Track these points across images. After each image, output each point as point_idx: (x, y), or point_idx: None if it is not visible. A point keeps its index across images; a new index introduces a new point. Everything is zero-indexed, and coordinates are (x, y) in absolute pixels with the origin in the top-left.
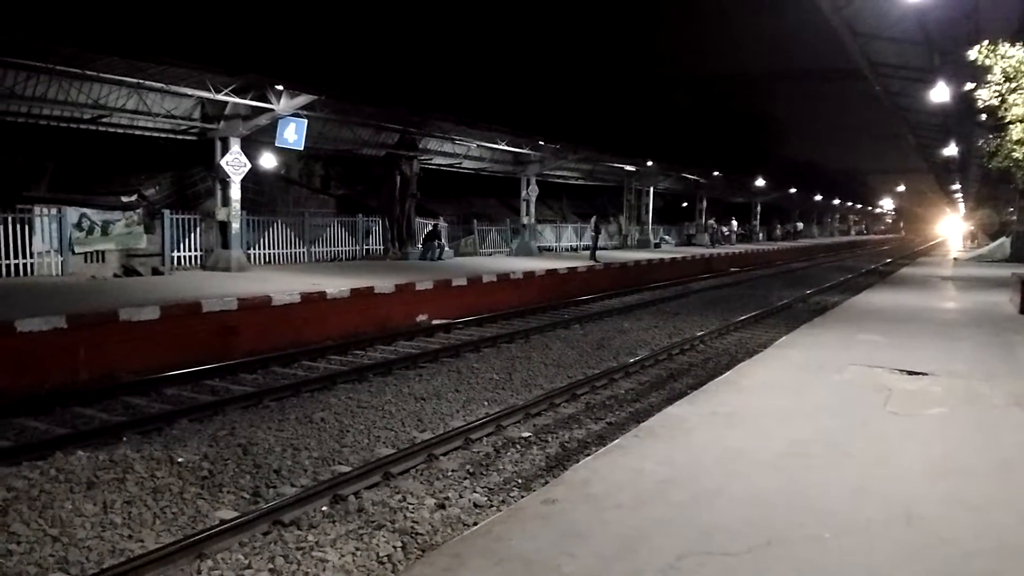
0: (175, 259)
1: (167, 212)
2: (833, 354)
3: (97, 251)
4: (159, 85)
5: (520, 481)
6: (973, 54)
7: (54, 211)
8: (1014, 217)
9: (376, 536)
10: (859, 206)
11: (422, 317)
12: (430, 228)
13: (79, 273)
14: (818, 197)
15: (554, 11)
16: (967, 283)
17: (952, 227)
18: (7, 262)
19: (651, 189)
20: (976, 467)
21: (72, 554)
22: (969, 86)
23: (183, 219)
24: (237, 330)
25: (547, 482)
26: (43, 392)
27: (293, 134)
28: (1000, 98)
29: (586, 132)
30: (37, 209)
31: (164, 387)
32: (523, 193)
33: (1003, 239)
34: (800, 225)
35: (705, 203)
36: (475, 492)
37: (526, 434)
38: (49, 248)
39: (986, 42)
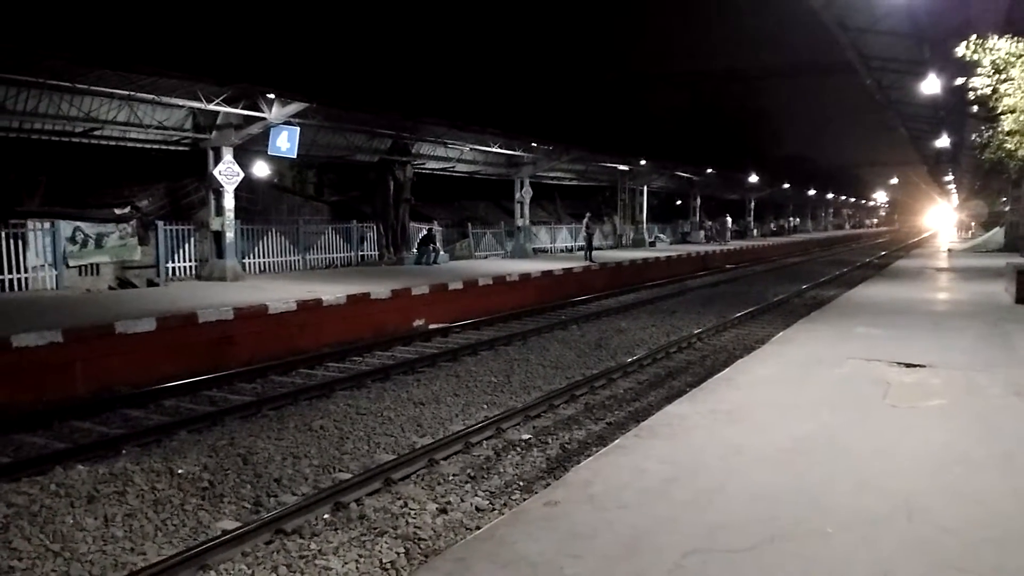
0: (170, 270)
1: (161, 223)
2: (831, 348)
3: (91, 264)
4: (150, 96)
5: (522, 484)
6: (961, 50)
7: (47, 225)
8: (1007, 207)
9: (379, 543)
10: (853, 200)
11: (419, 322)
12: (425, 233)
13: (74, 287)
14: (811, 192)
15: (544, 13)
16: (962, 274)
17: (946, 218)
18: (1, 277)
19: (645, 188)
20: (977, 458)
21: (74, 569)
22: (959, 80)
23: (177, 230)
24: (234, 339)
25: (549, 484)
26: (41, 407)
27: (286, 142)
28: (992, 89)
29: (579, 132)
30: (31, 223)
31: (162, 399)
32: (517, 195)
33: (997, 229)
34: (797, 220)
35: (699, 201)
36: (477, 496)
37: (526, 436)
38: (43, 262)
39: (974, 37)
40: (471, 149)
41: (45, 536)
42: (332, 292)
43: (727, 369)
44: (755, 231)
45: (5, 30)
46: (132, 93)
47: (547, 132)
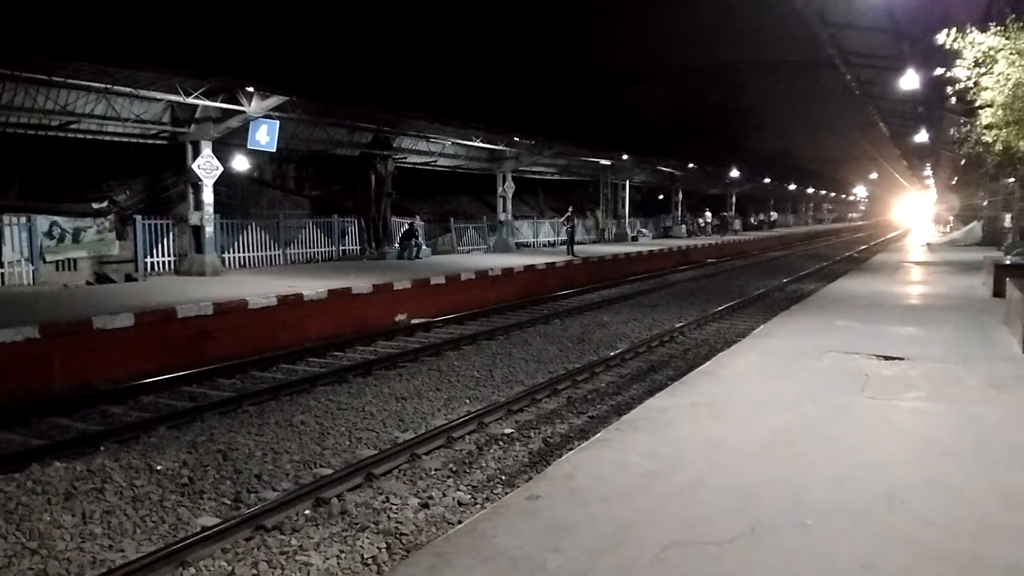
0: (148, 265)
1: (139, 218)
2: (811, 342)
3: (69, 259)
4: (127, 90)
5: (504, 478)
6: (941, 38)
7: (24, 220)
8: (985, 202)
9: (360, 538)
10: (833, 194)
11: (401, 317)
12: (406, 227)
13: (51, 282)
14: (792, 186)
15: (528, 8)
16: (941, 268)
17: (925, 212)
18: None
19: (627, 183)
20: (955, 450)
21: (52, 567)
22: (938, 72)
23: (155, 224)
24: (214, 335)
25: (531, 478)
26: (17, 403)
27: (265, 136)
28: (972, 83)
29: (561, 127)
30: (6, 218)
31: (141, 394)
32: (499, 190)
33: (974, 223)
34: (774, 215)
35: (681, 195)
36: (459, 490)
37: (508, 430)
38: (20, 257)
39: (954, 29)
40: (453, 143)
41: (22, 534)
42: (313, 287)
43: (708, 363)
44: (737, 225)
45: None
46: (109, 86)
47: (530, 127)
